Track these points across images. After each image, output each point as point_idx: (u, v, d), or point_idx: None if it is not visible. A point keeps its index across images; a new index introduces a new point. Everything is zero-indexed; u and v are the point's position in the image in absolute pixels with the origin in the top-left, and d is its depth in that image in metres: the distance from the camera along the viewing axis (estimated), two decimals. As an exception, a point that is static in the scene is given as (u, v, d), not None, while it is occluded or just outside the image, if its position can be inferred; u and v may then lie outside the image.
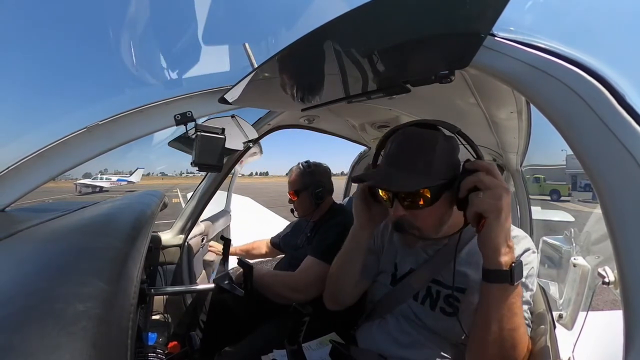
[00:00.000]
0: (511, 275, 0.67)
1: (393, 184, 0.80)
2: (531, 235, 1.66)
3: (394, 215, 0.82)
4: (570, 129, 0.49)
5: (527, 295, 0.81)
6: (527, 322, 0.80)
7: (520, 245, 0.85)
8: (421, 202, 0.79)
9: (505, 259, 0.67)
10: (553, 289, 1.14)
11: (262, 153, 2.05)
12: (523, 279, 0.76)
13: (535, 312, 1.01)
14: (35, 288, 0.36)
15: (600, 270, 0.82)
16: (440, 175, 0.77)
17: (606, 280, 0.78)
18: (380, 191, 0.87)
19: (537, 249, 1.32)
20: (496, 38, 0.55)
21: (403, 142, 0.82)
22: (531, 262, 0.84)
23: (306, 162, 1.66)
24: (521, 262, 0.69)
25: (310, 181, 1.59)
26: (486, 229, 0.66)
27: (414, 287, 0.92)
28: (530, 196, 1.85)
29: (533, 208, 1.86)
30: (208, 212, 2.25)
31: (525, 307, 0.81)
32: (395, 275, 0.98)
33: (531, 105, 1.05)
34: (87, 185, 37.55)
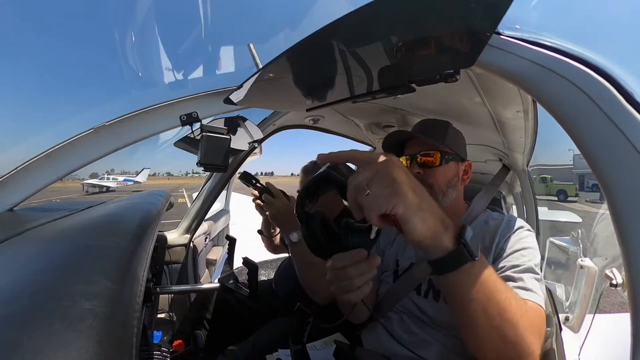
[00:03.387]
0: (467, 249, 0.53)
1: (420, 135, 0.96)
2: (538, 236, 1.64)
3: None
4: (577, 128, 0.48)
5: (529, 265, 0.78)
6: (531, 291, 0.73)
7: (512, 226, 0.89)
8: (434, 162, 0.94)
9: (448, 238, 0.53)
10: (559, 291, 1.13)
11: (261, 153, 2.06)
12: (517, 251, 0.81)
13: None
14: (42, 286, 0.36)
15: (607, 272, 0.81)
16: (451, 146, 0.96)
17: (614, 282, 0.77)
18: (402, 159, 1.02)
19: (544, 250, 1.31)
20: (502, 36, 0.54)
21: (424, 120, 1.06)
22: (525, 237, 0.86)
23: None
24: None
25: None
26: (406, 225, 0.50)
27: (415, 280, 0.92)
28: (537, 196, 1.83)
29: (540, 209, 1.84)
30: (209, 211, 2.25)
31: (528, 274, 0.76)
32: (397, 272, 0.98)
33: (538, 104, 1.04)
34: (94, 185, 38.00)
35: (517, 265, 0.78)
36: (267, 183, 1.21)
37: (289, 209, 1.15)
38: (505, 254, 0.82)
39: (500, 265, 0.81)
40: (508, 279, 0.76)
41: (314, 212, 0.62)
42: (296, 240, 1.08)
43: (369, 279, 0.59)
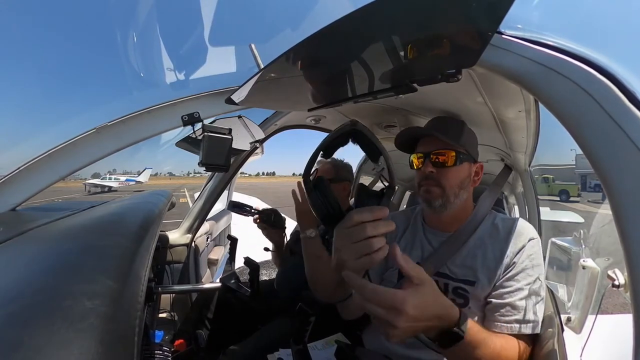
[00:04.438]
0: (454, 337, 0.63)
1: (436, 133, 0.93)
2: (540, 236, 1.64)
3: (423, 172, 0.95)
4: (579, 127, 0.48)
5: (535, 286, 0.83)
6: (534, 317, 0.82)
7: (523, 236, 0.90)
8: (448, 162, 0.92)
9: (440, 330, 0.64)
10: (561, 292, 1.13)
11: (263, 153, 2.06)
12: (526, 269, 0.85)
13: (544, 315, 1.00)
14: (44, 285, 0.36)
15: (610, 272, 0.80)
16: (466, 146, 0.94)
17: (616, 282, 0.77)
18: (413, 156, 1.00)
19: (546, 250, 1.30)
20: (503, 36, 0.54)
21: (439, 118, 1.06)
22: (534, 252, 0.88)
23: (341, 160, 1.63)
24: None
25: (346, 175, 1.55)
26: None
27: None
28: (539, 196, 1.82)
29: (542, 209, 1.83)
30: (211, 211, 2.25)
31: (529, 300, 0.82)
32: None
33: (540, 104, 1.03)
34: (95, 185, 38.09)
35: (523, 288, 0.83)
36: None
37: (305, 208, 1.16)
38: (514, 271, 0.85)
39: (509, 284, 0.84)
40: (512, 306, 0.82)
41: (318, 178, 0.64)
42: (313, 235, 1.09)
43: (385, 245, 0.59)
